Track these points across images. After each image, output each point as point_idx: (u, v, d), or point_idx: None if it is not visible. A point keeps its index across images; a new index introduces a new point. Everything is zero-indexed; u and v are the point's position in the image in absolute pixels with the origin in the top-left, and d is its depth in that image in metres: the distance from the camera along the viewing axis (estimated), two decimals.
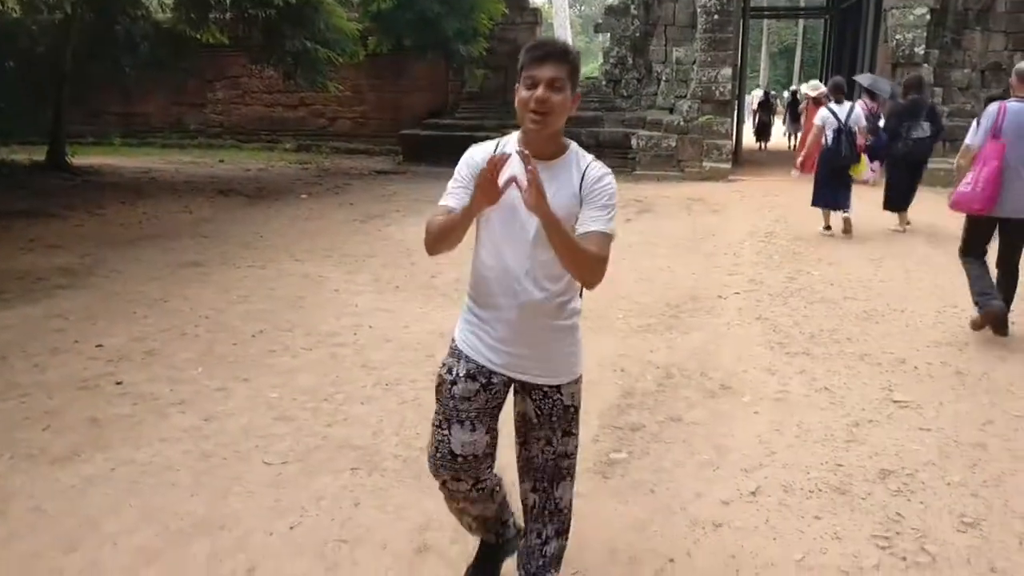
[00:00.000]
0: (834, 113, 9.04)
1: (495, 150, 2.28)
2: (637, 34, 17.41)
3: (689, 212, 11.13)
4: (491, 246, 2.28)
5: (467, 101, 18.46)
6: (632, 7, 17.52)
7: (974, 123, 5.63)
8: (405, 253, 8.34)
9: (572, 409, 2.40)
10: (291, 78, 13.96)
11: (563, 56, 2.18)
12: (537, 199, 1.99)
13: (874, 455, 3.76)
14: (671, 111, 16.40)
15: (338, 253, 8.35)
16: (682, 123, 15.47)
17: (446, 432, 2.32)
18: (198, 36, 13.81)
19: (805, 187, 9.82)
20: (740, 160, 16.67)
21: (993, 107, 5.54)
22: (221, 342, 5.50)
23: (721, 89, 15.57)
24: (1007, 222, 5.43)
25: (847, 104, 9.16)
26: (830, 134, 9.02)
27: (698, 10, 15.83)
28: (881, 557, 2.96)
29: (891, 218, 9.57)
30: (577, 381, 2.41)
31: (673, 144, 15.20)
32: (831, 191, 9.09)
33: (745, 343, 5.51)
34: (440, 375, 2.39)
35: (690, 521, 3.22)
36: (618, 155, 15.79)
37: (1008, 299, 5.53)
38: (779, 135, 23.12)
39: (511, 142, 2.29)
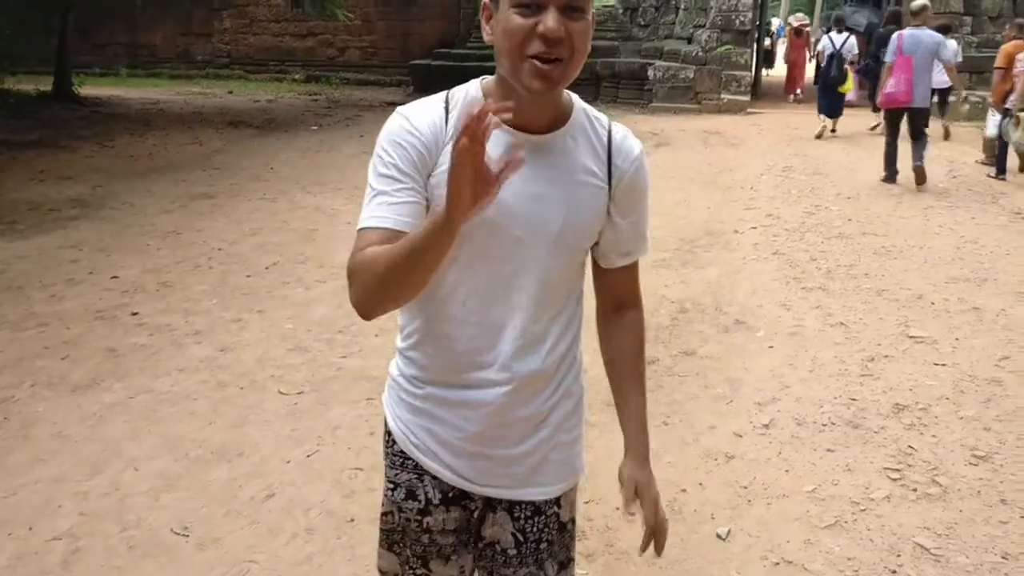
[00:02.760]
0: (832, 41, 11.38)
1: (447, 120, 1.33)
2: None
3: (706, 146, 10.97)
4: (463, 290, 1.36)
5: (478, 31, 18.04)
6: None
7: (891, 43, 8.38)
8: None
9: (570, 524, 1.57)
10: (299, 6, 13.69)
11: None
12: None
13: (888, 390, 3.76)
14: (689, 41, 16.02)
15: (349, 185, 8.29)
16: (700, 53, 15.13)
17: (424, 573, 1.52)
18: None
19: (835, 143, 11.00)
20: (759, 93, 16.35)
21: (894, 36, 8.39)
22: (235, 274, 5.51)
23: (741, 18, 15.17)
24: (914, 109, 8.17)
25: (845, 34, 11.43)
26: (825, 60, 11.42)
27: None
28: (892, 489, 2.98)
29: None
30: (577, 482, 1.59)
31: (691, 76, 14.90)
32: (827, 102, 11.45)
33: (761, 278, 5.48)
34: (394, 504, 1.51)
35: (703, 453, 3.25)
36: (634, 87, 15.51)
37: (921, 155, 8.12)
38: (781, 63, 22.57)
39: (468, 99, 1.37)
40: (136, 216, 7.06)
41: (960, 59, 10.07)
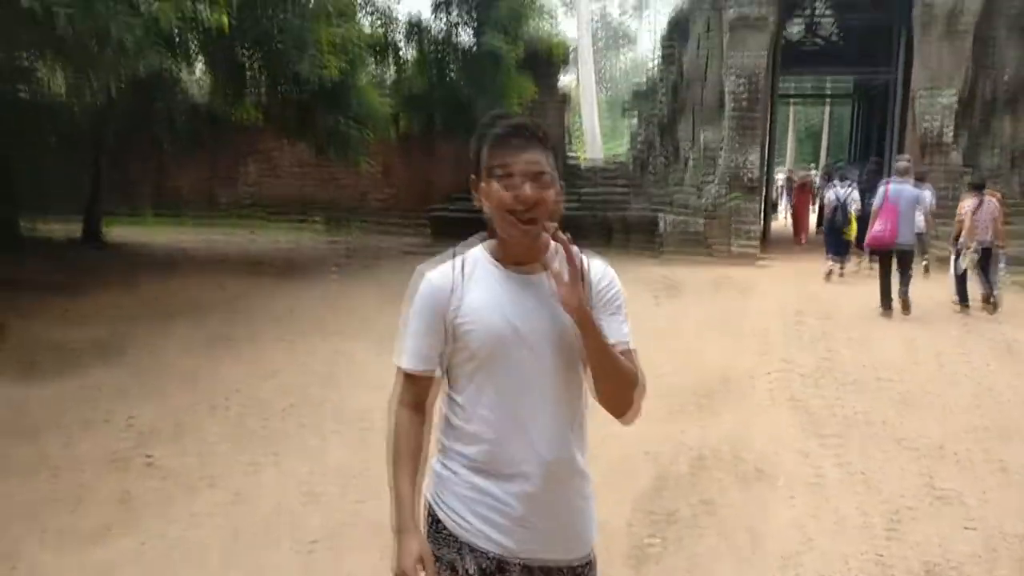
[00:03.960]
0: (837, 194, 12.78)
1: (456, 268, 1.78)
2: (665, 116, 17.72)
3: (718, 292, 11.12)
4: (492, 395, 1.73)
5: None
6: (660, 90, 17.88)
7: (878, 192, 9.59)
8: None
9: None
10: (323, 153, 14.29)
11: (541, 139, 1.71)
12: (577, 297, 1.60)
13: (916, 546, 3.66)
14: (699, 193, 16.53)
15: (368, 330, 8.38)
16: (710, 205, 15.57)
17: None
18: (233, 114, 14.25)
19: (841, 287, 11.79)
20: (768, 242, 16.70)
21: (881, 186, 9.64)
22: (252, 417, 5.52)
23: (749, 172, 15.70)
24: (900, 249, 9.33)
25: (848, 185, 12.92)
26: (830, 210, 12.84)
27: (726, 94, 16.10)
28: None
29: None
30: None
31: (701, 226, 15.28)
32: (833, 245, 12.77)
33: (778, 426, 5.43)
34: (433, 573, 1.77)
35: None
36: (645, 236, 15.89)
37: (906, 287, 9.32)
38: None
39: (474, 255, 1.80)
40: (156, 358, 7.13)
41: (934, 205, 11.34)
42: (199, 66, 14.02)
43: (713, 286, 11.67)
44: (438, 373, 1.80)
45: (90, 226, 14.73)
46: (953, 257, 9.83)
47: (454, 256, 1.81)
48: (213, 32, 7.89)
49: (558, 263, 1.64)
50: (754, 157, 15.73)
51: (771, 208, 19.78)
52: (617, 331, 1.76)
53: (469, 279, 1.76)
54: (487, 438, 1.74)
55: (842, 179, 13.29)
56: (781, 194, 23.75)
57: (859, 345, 7.77)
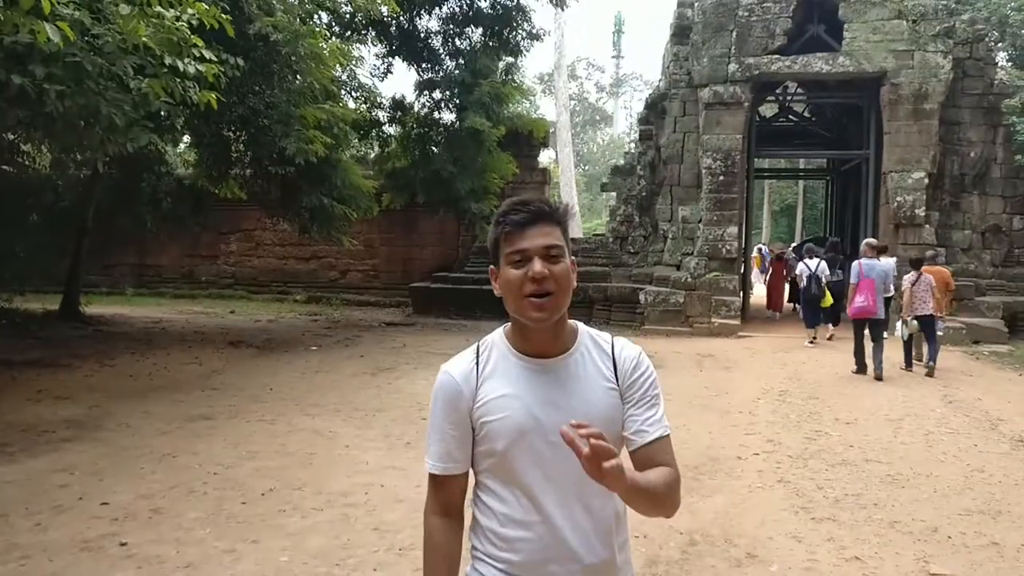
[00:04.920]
0: (808, 267, 13.71)
1: (478, 361, 1.74)
2: (643, 193, 18.01)
3: (701, 368, 11.12)
4: (518, 493, 1.68)
5: (476, 255, 18.87)
6: (638, 168, 18.22)
7: (852, 269, 10.64)
8: (416, 407, 8.27)
9: None
10: (306, 232, 14.34)
11: (553, 214, 1.69)
12: (613, 475, 1.41)
13: None
14: (678, 267, 16.71)
15: (348, 407, 8.28)
16: (690, 279, 15.72)
17: None
18: (217, 191, 14.30)
19: (821, 353, 12.49)
20: (747, 316, 16.83)
21: (855, 264, 10.66)
22: (230, 500, 5.36)
23: (727, 247, 15.93)
24: (875, 320, 10.37)
25: (816, 260, 13.81)
26: (804, 280, 13.71)
27: (703, 171, 16.43)
28: None
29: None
30: None
31: (681, 300, 15.39)
32: (810, 315, 13.79)
33: (768, 507, 5.35)
34: None
35: None
36: (626, 310, 15.97)
37: (879, 357, 10.27)
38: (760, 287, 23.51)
39: (495, 344, 1.77)
40: (132, 438, 6.96)
41: (895, 274, 11.79)
42: (184, 143, 14.15)
43: (696, 361, 11.66)
44: (463, 470, 1.74)
45: (68, 301, 14.57)
46: (900, 325, 11.01)
47: (478, 349, 1.77)
48: (201, 110, 7.93)
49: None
50: (732, 232, 15.98)
51: (749, 283, 20.10)
52: (655, 424, 1.70)
53: (489, 371, 1.72)
54: (518, 536, 1.67)
55: (810, 255, 14.19)
56: (764, 271, 24.09)
57: (845, 425, 7.73)
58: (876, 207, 16.48)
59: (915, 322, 10.59)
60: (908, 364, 10.94)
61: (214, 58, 7.04)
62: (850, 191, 20.87)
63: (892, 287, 11.44)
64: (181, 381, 9.63)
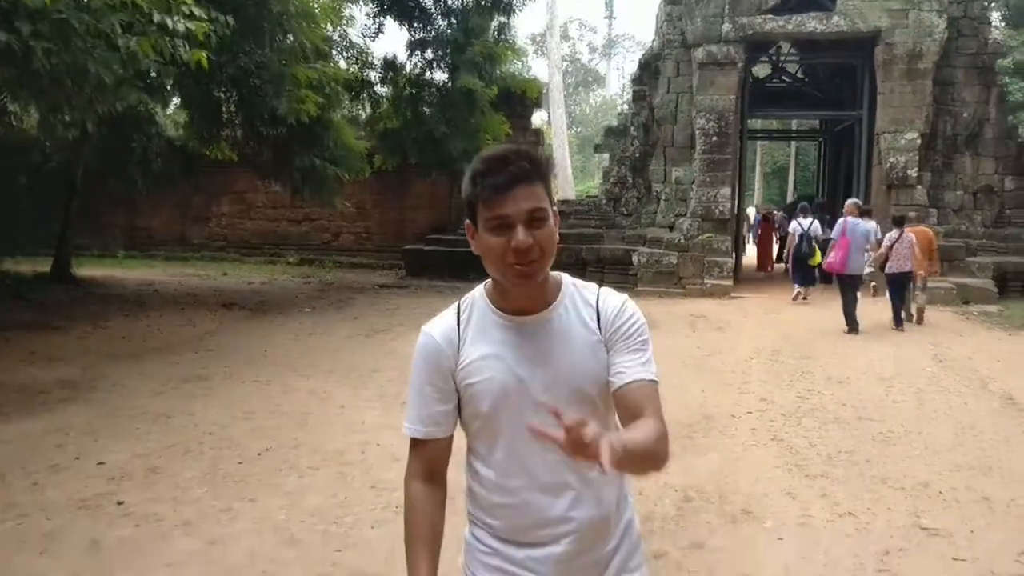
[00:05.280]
0: (800, 225, 13.86)
1: (459, 320, 1.66)
2: (636, 154, 17.92)
3: (694, 329, 11.15)
4: (504, 456, 1.63)
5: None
6: (631, 129, 18.10)
7: (836, 226, 11.41)
8: (410, 368, 8.27)
9: None
10: (298, 194, 14.24)
11: (533, 171, 1.54)
12: (597, 452, 1.29)
13: None
14: (671, 228, 16.69)
15: (343, 368, 8.28)
16: (682, 240, 15.71)
17: None
18: (208, 153, 14.16)
19: (804, 308, 12.95)
20: (740, 277, 16.87)
21: (840, 221, 11.35)
22: (226, 460, 5.38)
23: (720, 208, 15.90)
24: (848, 276, 10.89)
25: (810, 219, 14.03)
26: (796, 239, 13.75)
27: (696, 132, 16.34)
28: None
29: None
30: None
31: (674, 261, 15.39)
32: (800, 274, 13.95)
33: (762, 465, 5.40)
34: None
35: None
36: (619, 272, 15.96)
37: (852, 310, 10.78)
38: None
39: (476, 302, 1.68)
40: (127, 399, 6.96)
41: (879, 236, 11.91)
42: (174, 103, 13.97)
43: (688, 322, 11.70)
44: (445, 434, 1.68)
45: (59, 264, 14.49)
46: (920, 295, 11.58)
47: (458, 308, 1.70)
48: (191, 69, 7.82)
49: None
50: (725, 192, 15.95)
51: (742, 243, 20.28)
52: (638, 367, 1.60)
53: (471, 331, 1.65)
54: (505, 502, 1.64)
55: (804, 214, 14.34)
56: (752, 229, 24.21)
57: (837, 383, 7.78)
58: (868, 168, 16.45)
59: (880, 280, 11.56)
60: (897, 324, 11.10)
61: (204, 16, 6.91)
62: (843, 152, 20.84)
63: (871, 246, 11.69)
64: (175, 343, 9.61)
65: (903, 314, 11.21)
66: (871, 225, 11.78)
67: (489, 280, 1.66)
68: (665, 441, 1.56)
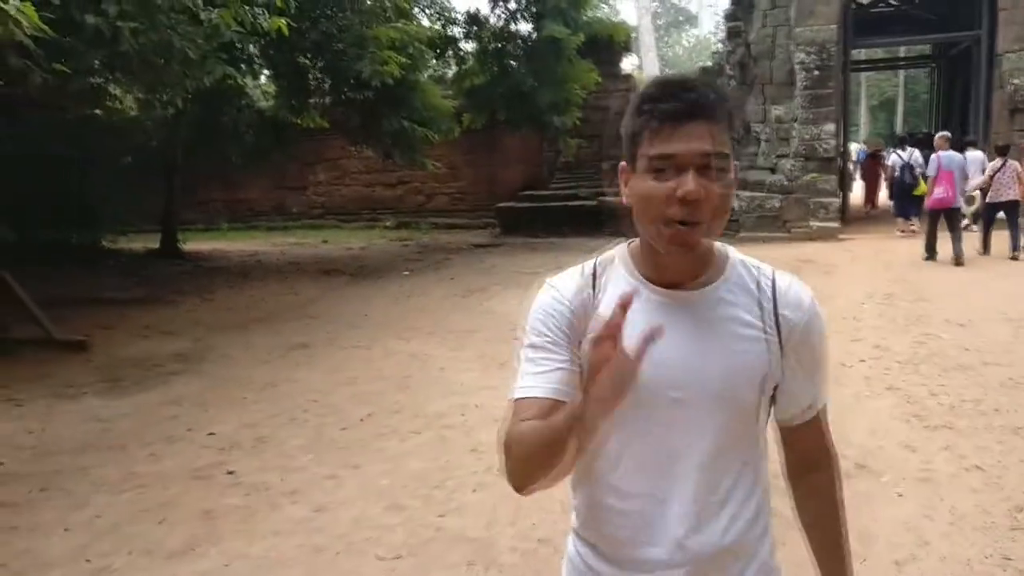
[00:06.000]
0: (900, 157, 14.20)
1: (594, 285, 1.34)
2: (734, 94, 17.21)
3: (801, 274, 10.55)
4: (624, 458, 1.32)
5: (562, 171, 18.55)
6: (727, 68, 17.38)
7: (931, 163, 11.25)
8: (508, 327, 8.23)
9: None
10: (389, 157, 14.32)
11: (718, 106, 1.23)
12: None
13: None
14: (773, 170, 16.03)
15: (442, 330, 8.31)
16: (785, 182, 15.08)
17: None
18: (299, 122, 14.37)
19: (916, 245, 12.10)
20: (848, 218, 16.12)
21: (934, 157, 11.20)
22: (330, 426, 5.46)
23: (824, 146, 15.15)
24: (954, 208, 10.90)
25: (909, 150, 14.25)
26: (898, 170, 14.05)
27: (796, 67, 15.55)
28: None
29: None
30: None
31: (777, 204, 14.80)
32: (903, 206, 14.17)
33: (878, 416, 5.11)
34: None
35: None
36: None
37: (959, 245, 10.78)
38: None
39: (616, 266, 1.36)
40: (234, 369, 7.16)
41: (987, 165, 11.80)
42: (264, 75, 14.20)
43: (794, 267, 11.20)
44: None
45: (167, 239, 15.07)
46: (963, 202, 11.53)
47: (595, 268, 1.37)
48: (273, 38, 7.86)
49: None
50: (829, 128, 15.18)
51: (848, 182, 19.49)
52: (816, 394, 1.36)
53: (606, 299, 1.31)
54: (609, 507, 1.33)
55: (903, 144, 14.76)
56: (856, 168, 23.17)
57: (959, 327, 7.32)
58: (989, 93, 15.30)
59: (976, 204, 11.72)
60: (986, 248, 11.37)
61: None
62: (958, 79, 19.49)
63: (975, 176, 11.76)
64: (278, 311, 9.85)
65: (1014, 242, 11.20)
66: (972, 157, 11.93)
67: (635, 240, 1.36)
68: (840, 485, 1.44)
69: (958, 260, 10.72)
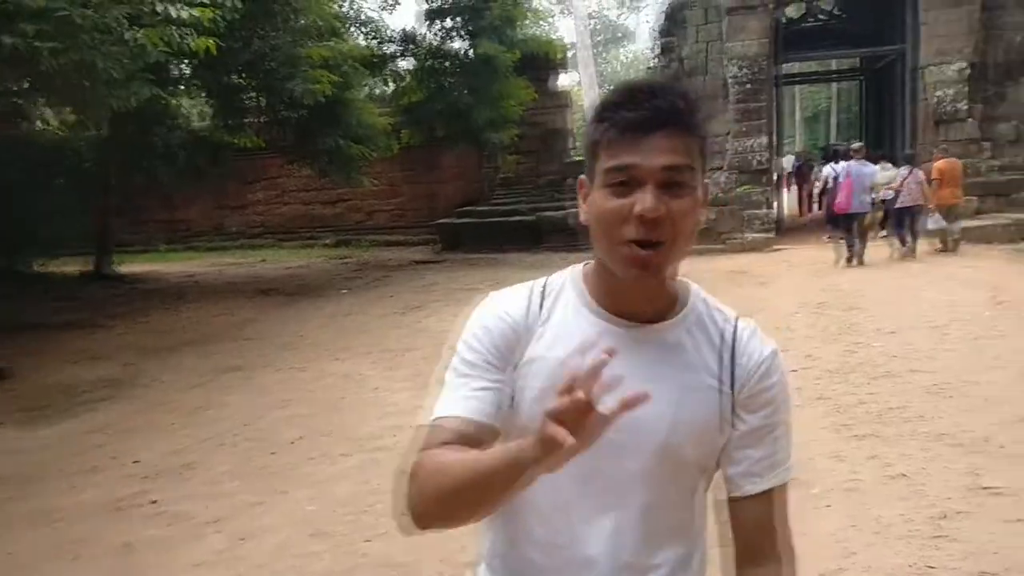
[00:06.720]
0: (834, 169, 13.84)
1: (541, 307, 1.20)
2: None
3: (734, 285, 10.86)
4: (547, 504, 1.16)
5: (500, 187, 18.59)
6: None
7: (841, 171, 12.25)
8: (446, 345, 8.16)
9: None
10: (325, 175, 14.20)
11: (686, 115, 1.10)
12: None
13: (969, 555, 3.38)
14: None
15: (378, 349, 8.21)
16: (720, 195, 15.32)
17: None
18: (234, 141, 14.14)
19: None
20: (782, 228, 16.44)
21: (842, 165, 12.38)
22: (259, 451, 5.34)
23: (757, 158, 15.47)
24: (853, 214, 11.75)
25: (843, 162, 13.37)
26: (831, 182, 13.66)
27: (728, 81, 15.86)
28: None
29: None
30: None
31: (712, 216, 15.01)
32: (832, 216, 13.55)
33: (808, 426, 5.16)
34: None
35: None
36: None
37: (863, 245, 11.90)
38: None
39: (565, 290, 1.22)
40: (164, 393, 6.98)
41: (882, 178, 12.52)
42: (201, 96, 13.94)
43: (729, 278, 11.40)
44: (492, 421, 1.15)
45: (101, 261, 14.67)
46: (937, 217, 12.15)
47: (544, 287, 1.24)
48: (203, 58, 7.72)
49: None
50: (761, 142, 15.51)
51: (781, 193, 19.93)
52: (774, 472, 1.21)
53: (551, 324, 1.18)
54: (527, 558, 1.19)
55: (837, 158, 14.73)
56: (790, 179, 23.70)
57: (888, 335, 7.47)
58: (914, 105, 15.78)
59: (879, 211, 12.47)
60: (903, 245, 12.24)
61: (206, 1, 6.79)
62: (885, 91, 20.07)
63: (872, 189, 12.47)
64: (213, 334, 9.65)
65: (912, 243, 12.17)
66: (882, 166, 12.68)
67: (589, 262, 1.22)
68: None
69: (860, 261, 11.80)
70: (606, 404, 0.92)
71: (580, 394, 0.90)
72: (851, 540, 3.60)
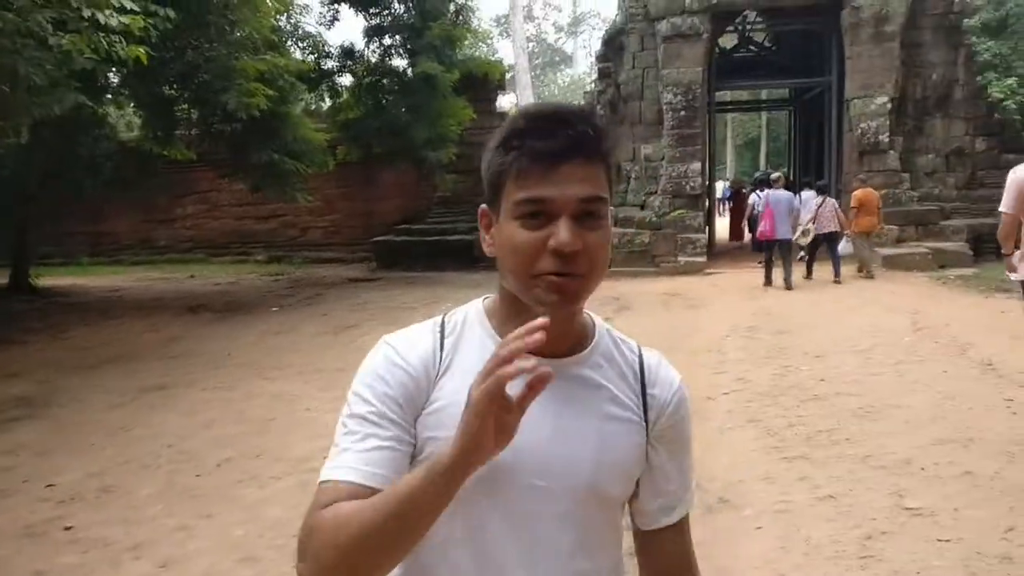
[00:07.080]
0: (759, 197, 14.14)
1: (442, 346, 1.12)
2: None
3: (668, 308, 11.00)
4: (460, 552, 1.09)
5: (438, 206, 18.54)
6: (598, 107, 17.86)
7: (761, 201, 12.98)
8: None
9: None
10: (259, 190, 13.95)
11: (597, 143, 1.06)
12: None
13: (894, 573, 3.46)
14: (643, 207, 16.53)
15: (310, 369, 8.05)
16: (654, 219, 15.56)
17: None
18: (165, 153, 13.78)
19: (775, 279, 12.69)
20: (714, 253, 16.76)
21: (763, 193, 12.97)
22: (184, 473, 5.15)
23: (691, 184, 15.76)
24: (776, 240, 12.23)
25: (767, 191, 13.70)
26: (760, 209, 13.62)
27: (664, 107, 16.15)
28: None
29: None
30: None
31: (647, 240, 15.23)
32: (760, 241, 13.92)
33: (739, 449, 5.24)
34: None
35: None
36: None
37: (788, 270, 12.23)
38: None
39: (470, 326, 1.15)
40: (83, 413, 6.70)
41: (799, 206, 13.07)
42: (131, 106, 13.57)
43: (662, 301, 11.55)
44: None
45: (17, 274, 14.09)
46: (853, 243, 12.77)
47: (442, 326, 1.16)
48: (135, 68, 7.52)
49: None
50: (696, 167, 15.82)
51: (714, 218, 20.36)
52: (683, 492, 1.21)
53: (455, 364, 1.11)
54: None
55: (763, 187, 14.87)
56: (723, 205, 24.27)
57: (815, 358, 7.65)
58: (840, 135, 16.34)
59: (809, 236, 12.76)
60: (809, 274, 13.01)
61: (137, 9, 6.60)
62: (813, 120, 20.73)
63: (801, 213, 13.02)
64: (137, 351, 9.34)
65: (835, 269, 12.66)
66: (806, 195, 13.45)
67: (490, 296, 1.18)
68: None
69: (787, 285, 12.13)
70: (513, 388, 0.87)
71: (507, 369, 0.85)
72: (781, 561, 3.64)
